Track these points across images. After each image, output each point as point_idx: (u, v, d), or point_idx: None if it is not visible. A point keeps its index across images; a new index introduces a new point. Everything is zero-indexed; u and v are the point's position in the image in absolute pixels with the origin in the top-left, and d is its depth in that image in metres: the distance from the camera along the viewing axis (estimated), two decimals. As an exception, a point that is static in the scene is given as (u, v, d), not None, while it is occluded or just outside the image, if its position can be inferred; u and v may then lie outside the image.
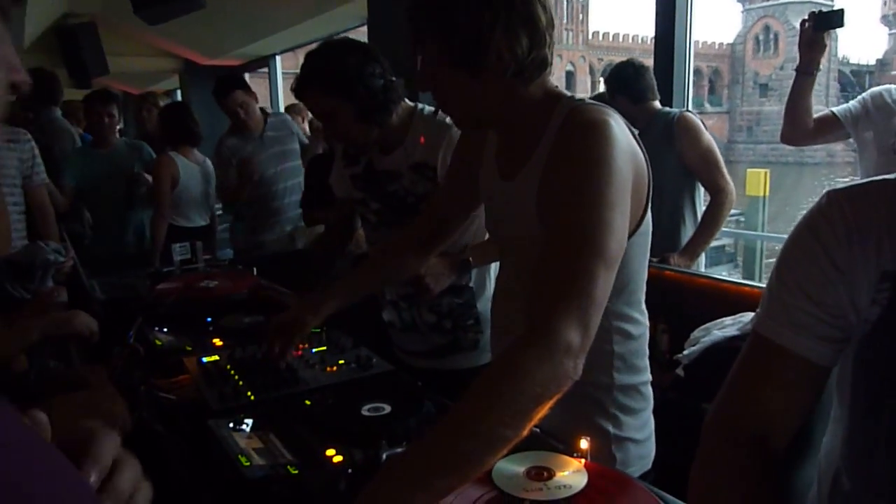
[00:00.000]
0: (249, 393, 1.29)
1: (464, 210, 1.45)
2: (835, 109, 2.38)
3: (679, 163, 2.66)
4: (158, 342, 1.61)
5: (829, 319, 0.80)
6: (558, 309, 0.90)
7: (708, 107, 55.47)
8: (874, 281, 0.76)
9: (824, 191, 0.84)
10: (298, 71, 1.67)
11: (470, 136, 1.36)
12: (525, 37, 1.04)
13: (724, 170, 2.65)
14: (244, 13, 5.09)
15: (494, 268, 1.68)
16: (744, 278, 5.76)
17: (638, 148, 1.09)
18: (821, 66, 2.26)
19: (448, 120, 1.67)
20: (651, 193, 1.13)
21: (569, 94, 1.15)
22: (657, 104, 2.78)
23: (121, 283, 2.22)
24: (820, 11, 2.17)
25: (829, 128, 2.36)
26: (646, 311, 1.24)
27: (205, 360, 1.47)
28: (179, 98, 8.13)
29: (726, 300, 2.30)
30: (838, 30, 2.15)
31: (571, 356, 0.88)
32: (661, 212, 2.63)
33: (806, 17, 2.19)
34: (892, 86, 2.33)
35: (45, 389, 1.15)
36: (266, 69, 6.87)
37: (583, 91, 46.36)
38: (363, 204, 1.87)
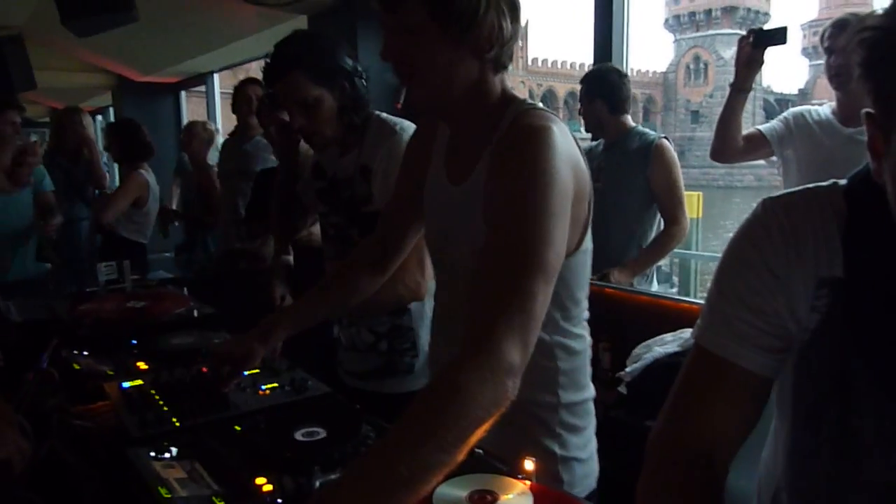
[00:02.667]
0: (174, 419, 1.21)
1: (415, 223, 1.37)
2: (761, 127, 2.44)
3: (646, 185, 2.63)
4: (76, 366, 1.49)
5: (770, 329, 0.79)
6: (499, 328, 0.87)
7: (643, 132, 57.18)
8: (812, 288, 0.76)
9: (758, 203, 0.83)
10: (266, 62, 1.61)
11: (416, 144, 1.32)
12: (510, 20, 1.04)
13: (685, 206, 2.67)
14: (180, 29, 4.95)
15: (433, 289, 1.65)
16: (680, 295, 5.91)
17: (582, 160, 1.07)
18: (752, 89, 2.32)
19: (397, 127, 1.63)
20: (592, 209, 1.12)
21: (522, 98, 1.13)
22: (630, 120, 2.76)
23: (39, 305, 2.09)
24: (761, 29, 2.21)
25: (757, 145, 2.42)
26: (588, 327, 1.22)
27: (126, 384, 1.37)
28: (112, 116, 7.88)
29: (666, 317, 2.33)
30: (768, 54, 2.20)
31: (512, 376, 0.86)
32: (617, 228, 2.63)
33: (745, 34, 2.22)
34: (812, 106, 2.42)
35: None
36: (203, 87, 6.71)
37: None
38: (325, 217, 1.84)
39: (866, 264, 0.73)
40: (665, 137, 2.72)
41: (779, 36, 2.09)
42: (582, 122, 2.81)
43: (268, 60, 1.62)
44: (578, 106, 2.85)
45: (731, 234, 0.86)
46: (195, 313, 1.90)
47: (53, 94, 7.82)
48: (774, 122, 2.42)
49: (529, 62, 55.43)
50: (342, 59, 1.63)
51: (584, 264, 1.15)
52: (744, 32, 2.26)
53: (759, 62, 2.21)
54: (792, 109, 2.44)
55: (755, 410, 0.82)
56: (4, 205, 3.15)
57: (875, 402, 0.72)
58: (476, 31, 1.01)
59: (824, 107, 2.34)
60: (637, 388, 2.11)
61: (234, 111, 3.35)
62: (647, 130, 2.75)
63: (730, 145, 2.38)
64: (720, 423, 0.81)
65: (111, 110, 8.08)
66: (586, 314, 1.21)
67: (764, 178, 47.01)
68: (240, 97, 3.26)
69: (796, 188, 0.81)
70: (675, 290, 5.18)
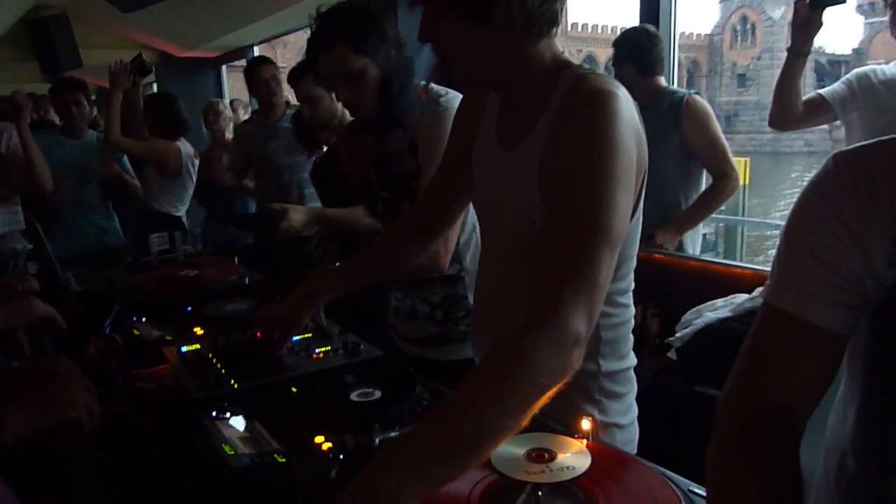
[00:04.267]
0: (233, 381, 1.24)
1: (463, 193, 1.35)
2: (822, 91, 2.34)
3: (682, 146, 2.58)
4: (137, 332, 1.54)
5: (845, 286, 0.75)
6: (566, 297, 0.85)
7: (687, 97, 55.74)
8: (889, 243, 0.72)
9: (829, 156, 0.80)
10: (309, 35, 1.60)
11: (465, 112, 1.29)
12: None
13: (731, 157, 2.59)
14: (220, 2, 4.99)
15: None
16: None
17: (640, 126, 1.04)
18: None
19: (441, 100, 1.62)
20: (646, 175, 1.09)
21: (578, 63, 1.09)
22: (663, 80, 2.68)
23: (96, 275, 2.15)
24: None
25: (818, 110, 2.33)
26: (632, 297, 1.20)
27: (185, 349, 1.41)
28: (156, 91, 8.00)
29: (716, 282, 2.29)
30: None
31: (578, 345, 0.85)
32: (658, 195, 2.57)
33: None
34: (877, 66, 2.31)
35: (8, 388, 1.08)
36: (243, 61, 6.76)
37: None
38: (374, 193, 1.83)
39: None
40: (696, 93, 2.64)
41: None
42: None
43: (313, 31, 1.62)
44: (632, 27, 2.78)
45: (783, 202, 0.82)
46: (246, 281, 1.94)
47: (99, 72, 7.97)
48: (837, 85, 2.31)
49: (569, 27, 54.30)
50: (387, 28, 1.62)
51: (636, 232, 1.13)
52: (794, -9, 2.16)
53: (818, 24, 2.12)
54: (856, 70, 2.32)
55: (830, 369, 0.80)
56: (71, 147, 3.45)
57: None
58: (496, 10, 0.97)
59: (891, 65, 2.23)
60: (686, 354, 2.08)
61: (252, 93, 3.36)
62: (677, 88, 2.67)
63: (789, 111, 2.30)
64: (795, 382, 0.79)
65: (154, 86, 8.21)
66: (632, 284, 1.19)
67: (815, 144, 45.45)
68: (255, 79, 3.26)
69: (867, 141, 0.77)
70: (719, 258, 5.08)
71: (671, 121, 2.57)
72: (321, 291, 1.38)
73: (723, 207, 2.86)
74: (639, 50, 2.62)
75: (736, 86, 57.58)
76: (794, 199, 0.83)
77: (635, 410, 1.25)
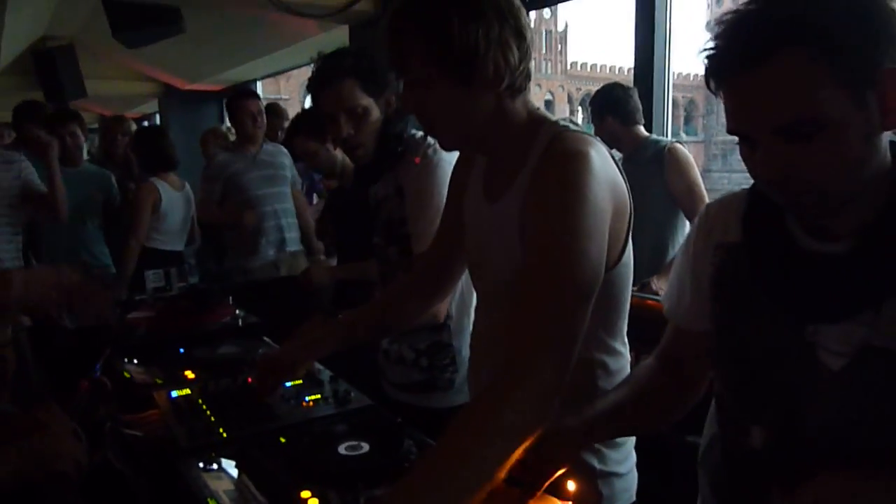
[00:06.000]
0: (222, 429, 1.24)
1: (462, 250, 1.35)
2: None
3: (666, 192, 2.69)
4: (127, 374, 1.54)
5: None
6: (538, 349, 0.89)
7: (684, 136, 56.33)
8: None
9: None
10: (312, 72, 1.65)
11: (459, 170, 1.33)
12: (516, 48, 1.03)
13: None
14: (224, 38, 5.06)
15: (474, 304, 1.66)
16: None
17: (620, 177, 1.07)
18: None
19: (430, 150, 1.64)
20: (632, 223, 1.12)
21: (551, 117, 1.13)
22: (644, 129, 2.80)
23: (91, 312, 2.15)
24: None
25: None
26: (627, 344, 1.22)
27: (175, 394, 1.41)
28: (158, 122, 8.08)
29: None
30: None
31: (552, 397, 0.88)
32: (646, 240, 2.62)
33: None
34: None
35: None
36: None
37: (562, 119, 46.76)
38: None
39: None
40: (678, 142, 2.76)
41: None
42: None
43: (318, 68, 1.66)
44: (605, 84, 2.91)
45: None
46: (240, 322, 1.94)
47: (102, 102, 8.05)
48: None
49: (569, 66, 55.12)
50: (389, 75, 1.65)
51: (626, 276, 1.15)
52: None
53: None
54: None
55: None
56: (67, 177, 3.36)
57: None
58: (482, 71, 1.01)
59: None
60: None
61: (233, 123, 3.36)
62: (660, 138, 2.79)
63: None
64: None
65: (157, 116, 8.29)
66: (626, 329, 1.21)
67: (809, 183, 45.77)
68: (240, 109, 3.28)
69: (727, 193, 1.00)
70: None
71: (655, 168, 2.68)
72: (324, 343, 1.39)
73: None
74: (617, 103, 2.76)
75: (732, 126, 58.19)
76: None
77: (633, 458, 1.25)
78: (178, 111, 6.98)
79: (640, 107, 2.78)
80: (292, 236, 3.37)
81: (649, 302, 2.53)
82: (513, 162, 1.10)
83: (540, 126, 1.09)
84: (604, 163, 1.02)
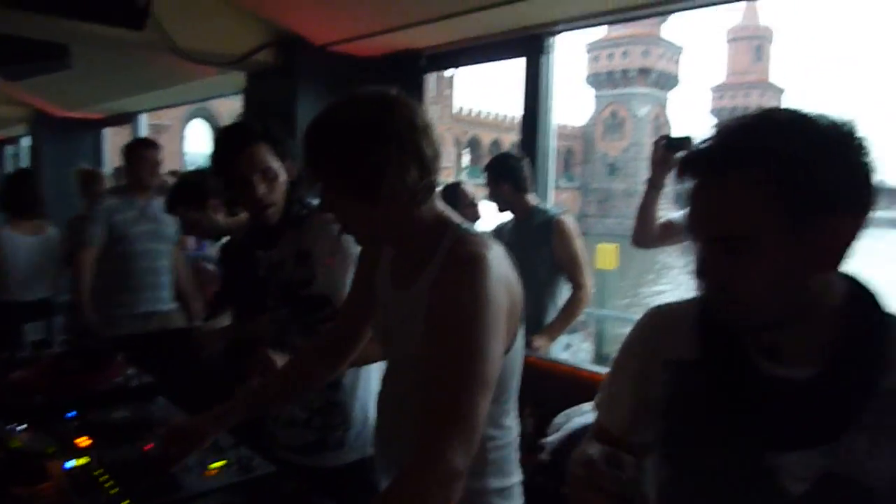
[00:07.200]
0: (126, 503, 1.24)
1: (370, 317, 1.45)
2: (672, 216, 2.69)
3: (550, 257, 2.96)
4: (16, 443, 1.49)
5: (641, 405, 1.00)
6: (445, 439, 1.02)
7: (563, 183, 59.26)
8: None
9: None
10: (218, 141, 1.78)
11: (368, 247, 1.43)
12: (414, 169, 1.15)
13: (587, 271, 3.00)
14: (113, 73, 4.89)
15: (367, 366, 1.76)
16: (595, 349, 6.18)
17: (512, 274, 1.21)
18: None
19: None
20: (523, 314, 1.26)
21: (455, 220, 1.25)
22: (534, 198, 3.06)
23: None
24: (670, 136, 2.48)
25: (671, 232, 2.65)
26: (517, 419, 1.34)
27: (70, 464, 1.38)
28: (26, 145, 7.54)
29: (585, 386, 2.48)
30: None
31: (458, 480, 1.01)
32: (529, 297, 2.84)
33: (658, 139, 2.48)
34: None
35: None
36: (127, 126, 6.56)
37: (448, 161, 47.83)
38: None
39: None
40: (564, 212, 3.06)
41: (685, 143, 2.37)
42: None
43: (227, 135, 1.78)
44: (499, 153, 3.21)
45: (650, 290, 1.06)
46: (134, 382, 1.91)
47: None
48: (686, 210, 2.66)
49: (455, 111, 56.73)
50: (291, 144, 1.79)
51: (517, 361, 1.29)
52: (657, 92, 2.51)
53: (672, 163, 2.46)
54: None
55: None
56: None
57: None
58: (386, 190, 1.14)
59: None
60: (558, 456, 2.24)
61: (128, 169, 3.30)
62: (548, 207, 3.08)
63: (648, 234, 2.61)
64: None
65: (22, 141, 7.73)
66: (516, 405, 1.34)
67: (673, 231, 49.12)
68: (140, 159, 3.26)
69: (675, 301, 1.02)
70: (590, 337, 5.52)
71: (543, 236, 2.96)
72: (233, 412, 1.43)
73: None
74: (512, 171, 3.01)
75: (607, 174, 61.91)
76: (658, 286, 1.06)
77: None
78: (50, 137, 6.56)
79: (530, 176, 3.03)
80: (167, 294, 3.33)
81: (530, 359, 2.71)
82: (420, 258, 1.23)
83: (445, 229, 1.22)
84: (500, 263, 1.16)
